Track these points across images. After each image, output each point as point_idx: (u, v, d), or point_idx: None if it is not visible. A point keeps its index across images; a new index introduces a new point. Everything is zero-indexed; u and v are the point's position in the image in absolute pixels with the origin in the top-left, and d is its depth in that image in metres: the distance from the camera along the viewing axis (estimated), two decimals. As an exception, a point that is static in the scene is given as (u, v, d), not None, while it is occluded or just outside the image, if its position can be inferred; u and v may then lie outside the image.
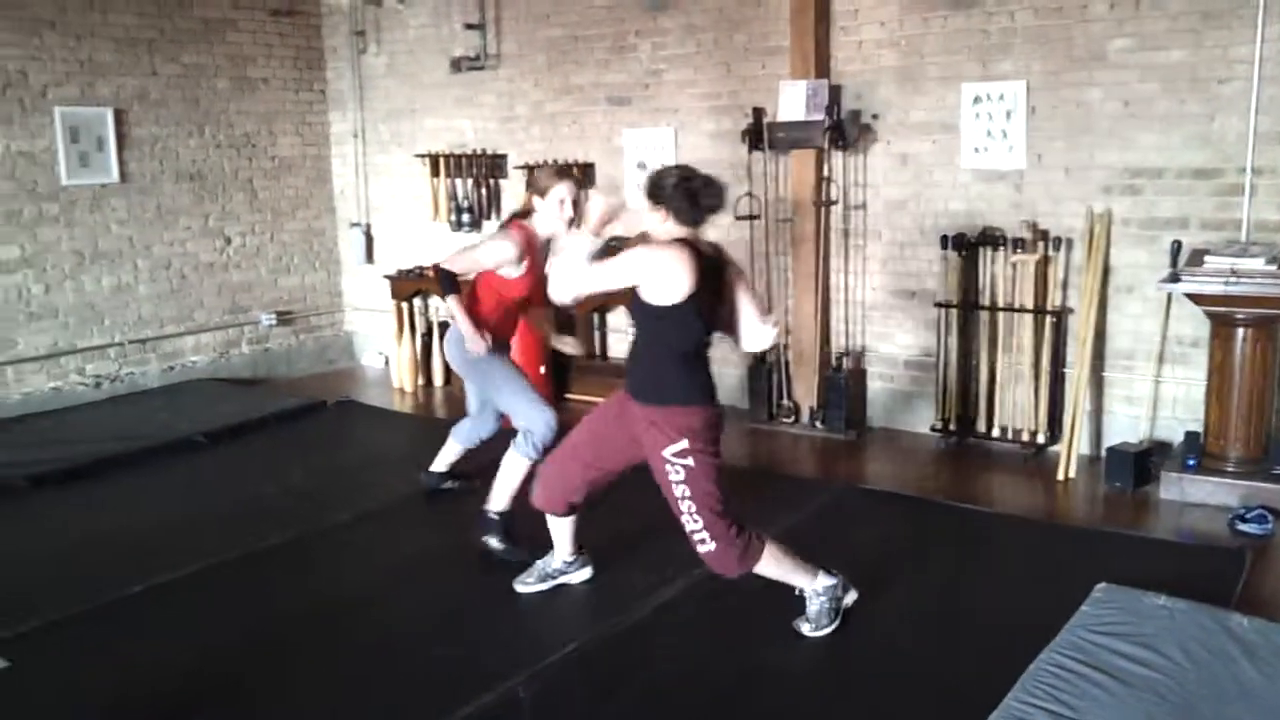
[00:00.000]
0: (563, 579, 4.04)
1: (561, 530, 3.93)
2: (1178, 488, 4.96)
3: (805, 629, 3.61)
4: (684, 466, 3.39)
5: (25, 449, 5.81)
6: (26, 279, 6.69)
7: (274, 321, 8.13)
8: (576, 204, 4.32)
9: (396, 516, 4.95)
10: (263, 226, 8.05)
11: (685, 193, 3.38)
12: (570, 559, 4.03)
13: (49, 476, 5.40)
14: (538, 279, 4.24)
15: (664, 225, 3.42)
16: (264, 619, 3.88)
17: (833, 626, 3.61)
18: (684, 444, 3.38)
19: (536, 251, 4.38)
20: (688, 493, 3.40)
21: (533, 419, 4.37)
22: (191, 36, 7.43)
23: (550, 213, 4.35)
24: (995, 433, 5.84)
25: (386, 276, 7.91)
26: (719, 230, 6.58)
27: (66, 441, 5.95)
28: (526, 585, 4.01)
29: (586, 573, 4.08)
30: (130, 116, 7.14)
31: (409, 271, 7.88)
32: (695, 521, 3.43)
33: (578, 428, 3.77)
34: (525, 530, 4.18)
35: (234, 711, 3.28)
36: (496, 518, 4.31)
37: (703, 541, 3.44)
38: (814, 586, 3.60)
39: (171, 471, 5.68)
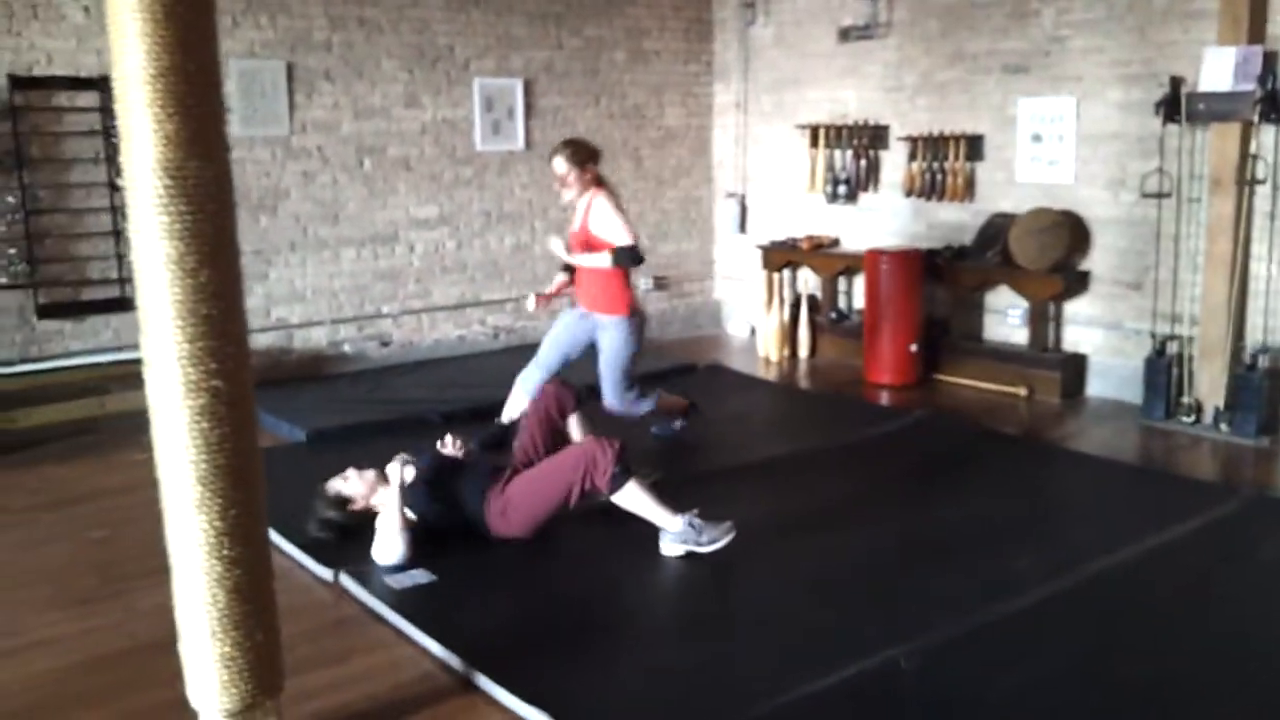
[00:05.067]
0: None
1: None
2: None
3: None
4: None
5: (437, 389, 6.44)
6: (443, 235, 7.39)
7: (651, 286, 8.48)
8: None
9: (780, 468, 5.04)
10: (645, 194, 8.40)
11: None
12: None
13: (457, 415, 5.93)
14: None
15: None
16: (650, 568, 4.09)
17: None
18: None
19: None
20: None
21: None
22: (594, 10, 7.86)
23: None
24: None
25: (759, 247, 8.02)
26: (1120, 207, 6.19)
27: (470, 385, 6.52)
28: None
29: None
30: (536, 87, 7.67)
31: (781, 242, 7.95)
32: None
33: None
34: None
35: (602, 636, 3.48)
36: None
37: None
38: None
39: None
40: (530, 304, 5.36)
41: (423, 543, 4.04)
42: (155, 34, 2.26)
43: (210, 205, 2.37)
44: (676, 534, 4.02)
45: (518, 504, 4.13)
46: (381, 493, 4.25)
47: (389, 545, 3.99)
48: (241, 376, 2.49)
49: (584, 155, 4.98)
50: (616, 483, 4.00)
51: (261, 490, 2.62)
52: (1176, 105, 5.66)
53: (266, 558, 2.71)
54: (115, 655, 3.44)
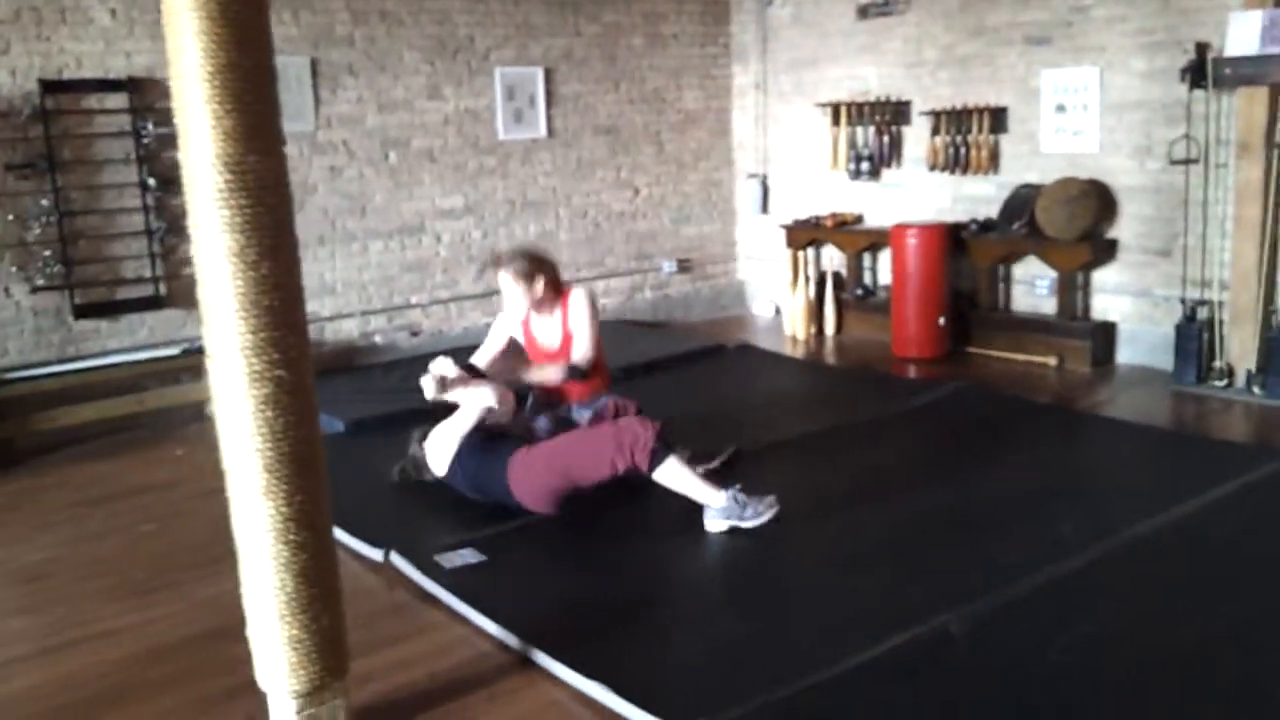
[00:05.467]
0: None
1: None
2: None
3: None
4: None
5: (468, 376, 6.49)
6: (468, 225, 7.44)
7: (674, 269, 8.52)
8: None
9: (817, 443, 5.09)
10: (667, 178, 8.43)
11: None
12: None
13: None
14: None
15: None
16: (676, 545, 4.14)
17: None
18: None
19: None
20: None
21: None
22: (611, -4, 7.90)
23: None
24: None
25: (783, 226, 8.04)
26: (1147, 175, 6.19)
27: (501, 371, 6.57)
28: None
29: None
30: (557, 75, 7.70)
31: (805, 221, 7.97)
32: None
33: None
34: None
35: (651, 610, 3.54)
36: None
37: None
38: None
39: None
40: (430, 391, 4.44)
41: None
42: (212, 31, 2.31)
43: (269, 198, 2.42)
44: (720, 509, 4.06)
45: (541, 469, 4.17)
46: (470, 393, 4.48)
47: (446, 445, 4.45)
48: (303, 365, 2.54)
49: (533, 267, 4.60)
50: (657, 459, 4.04)
51: (324, 476, 2.68)
52: (1203, 71, 5.66)
53: (330, 542, 2.77)
54: (178, 644, 3.51)
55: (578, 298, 4.66)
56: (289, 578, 2.62)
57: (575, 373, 4.57)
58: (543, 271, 4.63)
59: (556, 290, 4.69)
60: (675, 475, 4.08)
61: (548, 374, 4.62)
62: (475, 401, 4.42)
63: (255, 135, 2.38)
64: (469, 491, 4.43)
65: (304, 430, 2.56)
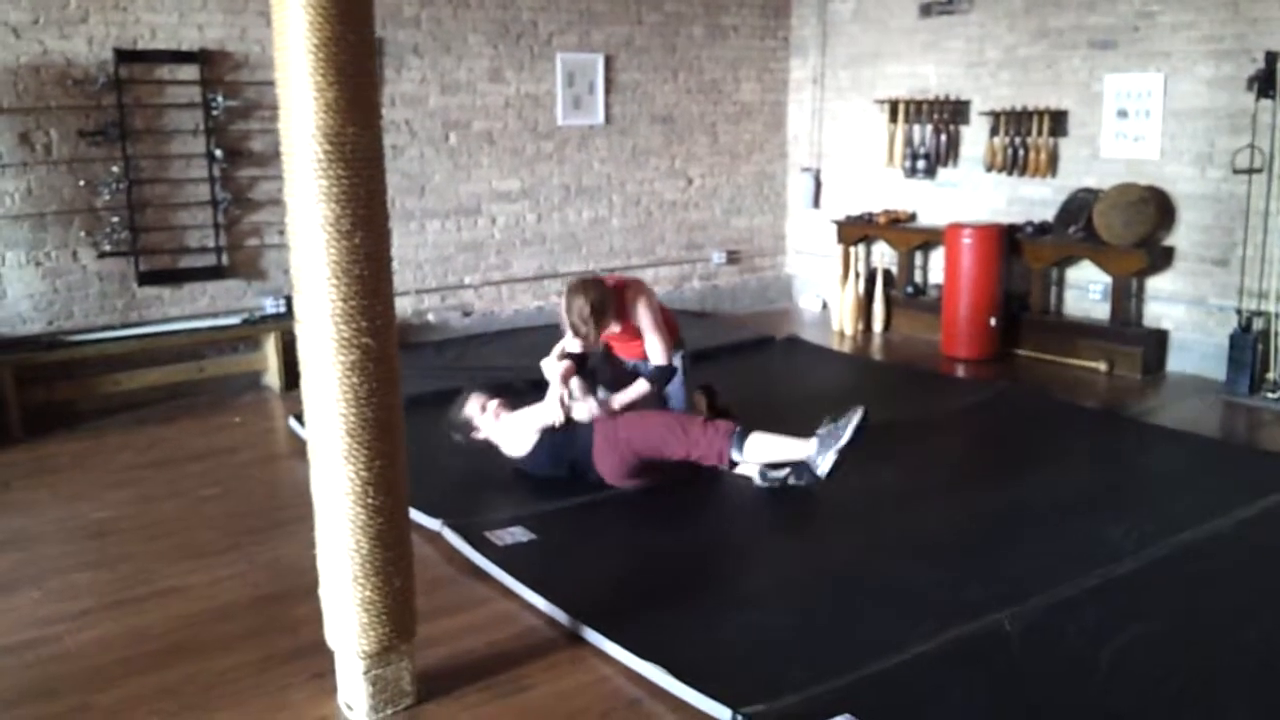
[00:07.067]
0: None
1: None
2: None
3: None
4: None
5: (520, 356, 6.54)
6: (523, 208, 7.50)
7: (724, 260, 8.55)
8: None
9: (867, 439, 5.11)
10: (720, 169, 8.46)
11: None
12: None
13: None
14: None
15: None
16: (735, 527, 4.19)
17: None
18: None
19: None
20: None
21: None
22: (673, -15, 7.93)
23: None
24: None
25: (835, 221, 8.05)
26: (1207, 183, 6.16)
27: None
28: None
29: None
30: (617, 63, 7.74)
31: (858, 217, 7.98)
32: None
33: None
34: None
35: (702, 595, 3.58)
36: None
37: None
38: None
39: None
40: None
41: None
42: (319, 4, 2.37)
43: (366, 170, 2.49)
44: (818, 449, 4.22)
45: (619, 438, 4.40)
46: (505, 421, 4.72)
47: (523, 438, 4.62)
48: (389, 334, 2.62)
49: (602, 306, 4.61)
50: (739, 444, 4.27)
51: (403, 443, 2.75)
52: (1271, 80, 5.62)
53: (405, 507, 2.84)
54: (242, 604, 3.60)
55: (640, 308, 4.70)
56: (365, 540, 2.70)
57: (663, 375, 4.71)
58: (608, 311, 4.63)
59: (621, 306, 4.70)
60: (762, 447, 4.27)
61: (637, 392, 4.69)
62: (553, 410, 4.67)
63: (355, 108, 2.45)
64: (546, 465, 4.59)
65: (386, 397, 2.63)
